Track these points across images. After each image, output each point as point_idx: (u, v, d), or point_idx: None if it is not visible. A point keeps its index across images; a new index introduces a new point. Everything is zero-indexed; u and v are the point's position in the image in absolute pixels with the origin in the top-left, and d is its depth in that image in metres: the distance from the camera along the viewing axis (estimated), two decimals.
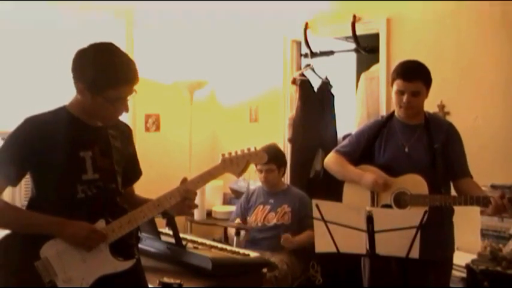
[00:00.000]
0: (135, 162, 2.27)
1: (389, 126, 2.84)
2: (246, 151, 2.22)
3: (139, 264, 2.18)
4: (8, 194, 3.75)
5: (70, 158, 1.99)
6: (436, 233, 2.62)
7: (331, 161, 2.95)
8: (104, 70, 1.93)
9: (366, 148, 2.87)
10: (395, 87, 2.72)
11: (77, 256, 1.97)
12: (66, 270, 1.95)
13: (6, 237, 2.01)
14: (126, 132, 2.22)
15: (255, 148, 2.25)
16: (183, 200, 2.11)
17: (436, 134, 2.75)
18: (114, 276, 2.01)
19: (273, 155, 3.86)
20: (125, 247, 2.06)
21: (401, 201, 2.70)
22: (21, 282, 1.93)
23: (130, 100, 2.04)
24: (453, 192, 2.79)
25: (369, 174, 2.74)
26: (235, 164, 2.20)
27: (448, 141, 2.75)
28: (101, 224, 2.00)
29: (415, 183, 2.65)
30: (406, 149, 2.76)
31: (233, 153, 2.21)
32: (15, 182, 2.01)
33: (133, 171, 2.26)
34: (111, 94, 1.95)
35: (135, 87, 2.03)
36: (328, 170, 2.96)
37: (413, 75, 2.68)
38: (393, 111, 2.88)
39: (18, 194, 3.75)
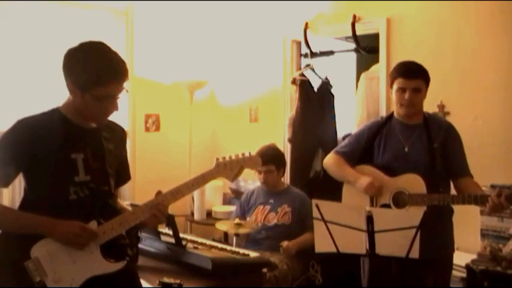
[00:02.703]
0: (125, 165, 2.26)
1: (388, 126, 2.85)
2: (240, 156, 2.22)
3: (133, 265, 2.18)
4: (7, 195, 3.76)
5: (62, 160, 1.99)
6: (436, 232, 2.62)
7: (330, 161, 2.96)
8: (92, 68, 1.93)
9: (365, 148, 2.88)
10: (395, 86, 2.74)
11: (68, 256, 1.97)
12: (56, 271, 1.95)
13: None
14: (119, 135, 2.22)
15: (250, 153, 2.24)
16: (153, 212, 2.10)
17: (436, 133, 2.76)
18: (106, 277, 2.01)
19: (272, 156, 3.87)
20: (117, 248, 2.06)
21: (400, 200, 2.71)
22: (11, 282, 1.94)
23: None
24: (453, 192, 2.80)
25: (365, 177, 2.75)
26: (229, 168, 2.20)
27: (448, 140, 2.76)
28: (92, 225, 2.01)
29: (413, 182, 2.66)
30: (406, 149, 2.76)
31: (227, 158, 2.21)
32: (6, 183, 2.02)
33: (123, 175, 2.25)
34: (99, 92, 1.95)
35: (127, 86, 2.03)
36: (327, 170, 2.98)
37: (415, 73, 2.72)
38: (392, 112, 2.89)
39: (18, 195, 3.75)
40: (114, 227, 2.03)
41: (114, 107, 2.02)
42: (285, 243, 3.64)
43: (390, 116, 2.88)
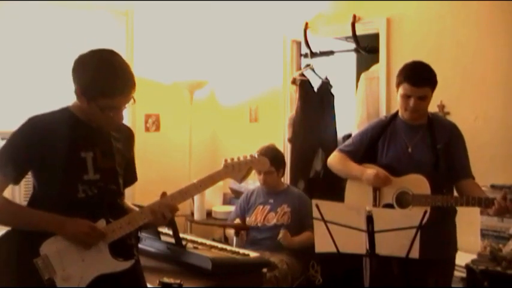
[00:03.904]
0: (132, 166, 2.29)
1: (392, 126, 2.84)
2: (248, 157, 2.24)
3: (139, 265, 2.19)
4: (7, 193, 3.75)
5: (71, 158, 2.01)
6: (438, 232, 2.62)
7: (334, 159, 2.96)
8: (99, 79, 1.95)
9: (369, 148, 2.87)
10: (401, 91, 2.69)
11: (77, 254, 1.99)
12: (65, 268, 1.97)
13: (7, 234, 2.04)
14: (128, 135, 2.24)
15: (258, 154, 2.27)
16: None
17: (439, 134, 2.75)
18: (113, 275, 2.02)
19: (272, 157, 3.84)
20: (124, 247, 2.08)
21: (403, 201, 2.70)
22: (20, 279, 1.95)
23: (130, 101, 2.05)
24: (455, 193, 2.79)
25: (371, 169, 2.75)
26: (237, 169, 2.22)
27: (451, 141, 2.75)
28: (101, 223, 2.03)
29: (417, 183, 2.65)
30: (410, 149, 2.76)
31: (235, 159, 2.23)
32: (17, 181, 2.03)
33: (129, 176, 2.27)
34: (105, 103, 1.97)
35: (134, 95, 2.04)
36: (331, 168, 2.97)
37: (422, 81, 2.66)
38: (397, 112, 2.87)
39: (18, 193, 3.75)
40: (122, 226, 2.05)
41: (118, 118, 2.05)
42: (281, 233, 3.63)
43: (394, 116, 2.87)
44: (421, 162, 2.71)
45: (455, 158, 2.74)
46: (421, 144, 2.75)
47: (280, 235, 3.64)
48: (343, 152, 2.94)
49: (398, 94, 2.74)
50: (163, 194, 2.14)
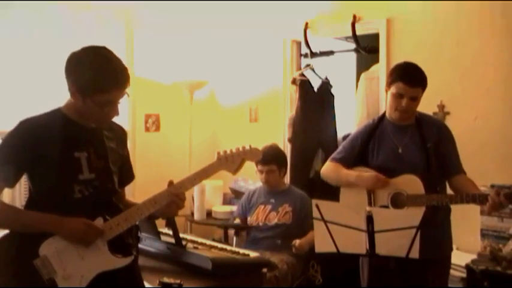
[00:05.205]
0: (128, 165, 2.30)
1: (381, 128, 2.84)
2: (240, 149, 2.28)
3: (137, 262, 2.20)
4: (7, 195, 3.76)
5: (65, 159, 2.02)
6: (434, 231, 2.61)
7: (328, 169, 2.95)
8: (93, 74, 1.96)
9: (360, 153, 2.86)
10: (393, 90, 2.69)
11: (76, 253, 2.00)
12: (65, 268, 1.98)
13: (5, 236, 2.04)
14: (120, 135, 2.25)
15: (250, 146, 2.29)
16: (172, 200, 2.15)
17: (428, 133, 2.75)
18: (113, 272, 2.04)
19: (274, 156, 3.88)
20: (122, 244, 2.09)
21: (398, 201, 2.70)
22: (21, 281, 1.96)
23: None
24: (449, 190, 2.80)
25: (367, 173, 2.74)
26: (231, 161, 2.25)
27: (441, 140, 2.75)
28: (98, 222, 2.04)
29: (410, 183, 2.65)
30: (400, 150, 2.76)
31: (228, 151, 2.26)
32: (12, 184, 2.04)
33: (127, 174, 2.28)
34: (100, 98, 1.98)
35: (128, 90, 2.06)
36: (325, 179, 2.97)
37: (416, 81, 2.67)
38: (384, 114, 2.87)
39: (18, 194, 3.75)
40: (120, 223, 2.06)
41: (114, 112, 2.06)
42: (297, 242, 3.64)
43: (382, 118, 2.87)
44: (412, 162, 2.71)
45: (446, 156, 2.75)
46: (411, 144, 2.75)
47: (295, 248, 3.63)
48: (336, 161, 2.93)
49: (389, 93, 2.74)
50: (171, 183, 2.17)
